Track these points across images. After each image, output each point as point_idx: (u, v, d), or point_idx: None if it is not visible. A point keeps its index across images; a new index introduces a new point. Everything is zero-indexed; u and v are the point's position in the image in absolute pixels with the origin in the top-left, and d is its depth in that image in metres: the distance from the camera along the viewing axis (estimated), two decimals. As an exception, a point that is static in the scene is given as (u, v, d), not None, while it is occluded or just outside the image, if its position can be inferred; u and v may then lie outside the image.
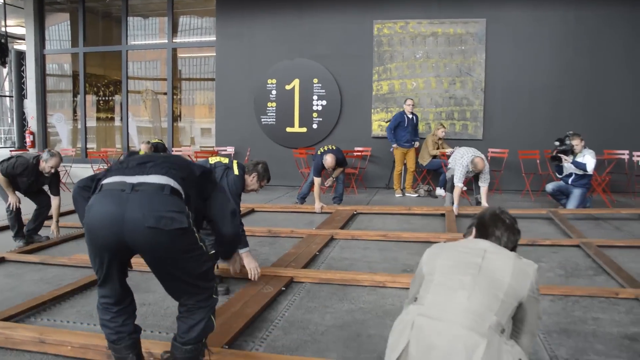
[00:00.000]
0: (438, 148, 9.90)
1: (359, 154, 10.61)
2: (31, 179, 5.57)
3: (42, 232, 5.96)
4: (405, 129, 9.53)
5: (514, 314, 2.09)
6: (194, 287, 2.47)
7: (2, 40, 10.59)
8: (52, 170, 5.57)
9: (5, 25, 11.42)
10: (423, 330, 1.99)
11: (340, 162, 8.28)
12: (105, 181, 2.39)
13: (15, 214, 5.63)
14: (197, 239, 2.43)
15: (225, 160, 4.31)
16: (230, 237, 2.76)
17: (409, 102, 9.61)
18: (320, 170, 8.12)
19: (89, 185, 2.52)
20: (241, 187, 4.29)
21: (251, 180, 4.37)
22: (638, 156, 9.36)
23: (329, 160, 7.97)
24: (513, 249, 2.33)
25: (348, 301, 3.96)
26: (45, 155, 5.54)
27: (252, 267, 4.16)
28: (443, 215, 7.46)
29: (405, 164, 9.82)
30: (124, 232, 2.23)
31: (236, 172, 4.24)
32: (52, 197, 5.80)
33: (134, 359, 2.58)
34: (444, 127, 9.94)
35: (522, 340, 2.15)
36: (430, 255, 2.30)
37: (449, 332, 1.94)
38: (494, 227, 2.32)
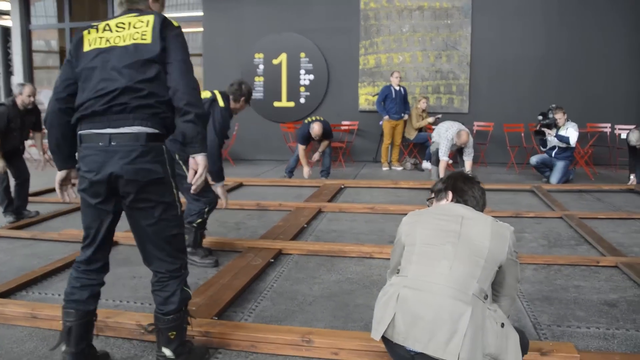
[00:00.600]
0: (424, 119, 9.93)
1: (346, 127, 10.63)
2: (17, 123, 5.46)
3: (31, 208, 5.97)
4: (393, 101, 9.55)
5: (494, 279, 2.13)
6: (161, 251, 2.40)
7: None
8: (32, 99, 5.52)
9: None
10: (408, 302, 2.02)
11: (327, 133, 8.32)
12: (81, 132, 2.34)
13: (4, 188, 5.61)
14: (174, 196, 2.40)
15: (208, 94, 4.25)
16: (191, 118, 2.32)
17: (395, 74, 9.62)
18: (306, 139, 8.22)
19: (70, 108, 2.42)
20: (229, 119, 4.25)
21: (240, 105, 4.44)
22: (620, 129, 9.47)
23: (316, 128, 8.05)
24: (483, 208, 2.38)
25: (336, 272, 4.02)
26: (16, 89, 5.49)
27: (224, 197, 4.21)
28: (430, 188, 7.51)
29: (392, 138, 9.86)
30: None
31: (221, 104, 4.18)
32: (35, 132, 5.84)
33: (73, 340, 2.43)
34: (425, 98, 9.98)
35: (502, 303, 2.19)
36: (408, 224, 2.30)
37: (434, 302, 1.97)
38: (470, 189, 2.36)
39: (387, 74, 10.47)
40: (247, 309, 3.35)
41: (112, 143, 2.25)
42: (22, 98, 5.46)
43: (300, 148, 8.30)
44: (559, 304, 3.40)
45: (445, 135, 7.87)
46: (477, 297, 1.98)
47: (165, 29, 2.39)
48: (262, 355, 2.75)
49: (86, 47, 2.40)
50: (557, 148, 7.98)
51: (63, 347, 2.40)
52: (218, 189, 4.15)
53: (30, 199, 6.07)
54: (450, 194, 2.40)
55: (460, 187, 2.38)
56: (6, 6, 13.03)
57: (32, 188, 7.09)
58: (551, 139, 8.03)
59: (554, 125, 8.06)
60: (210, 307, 3.17)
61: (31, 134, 5.92)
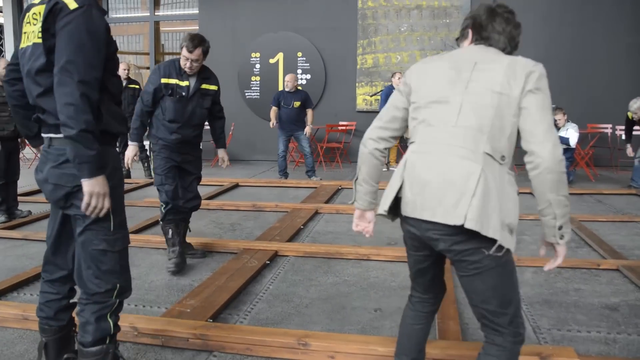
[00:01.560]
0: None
1: (344, 128, 10.57)
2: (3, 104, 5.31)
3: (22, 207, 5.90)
4: None
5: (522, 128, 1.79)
6: (87, 269, 2.12)
7: None
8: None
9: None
10: (415, 168, 1.85)
11: (305, 99, 8.42)
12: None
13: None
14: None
15: None
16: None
17: (397, 75, 9.52)
18: (276, 100, 8.43)
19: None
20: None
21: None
22: (621, 130, 9.43)
23: (287, 77, 8.35)
24: (516, 46, 2.00)
25: (332, 274, 3.97)
26: None
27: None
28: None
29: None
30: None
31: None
32: None
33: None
34: None
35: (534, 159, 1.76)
36: (417, 76, 1.99)
37: (440, 164, 1.78)
38: (491, 23, 1.96)
39: (385, 74, 10.42)
40: (242, 311, 3.30)
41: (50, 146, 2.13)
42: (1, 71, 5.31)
43: (273, 109, 8.45)
44: (559, 307, 3.35)
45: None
46: (489, 156, 1.75)
47: (54, 21, 1.98)
48: (257, 358, 2.70)
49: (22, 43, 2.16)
50: (557, 149, 7.93)
51: None
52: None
53: (22, 198, 6.00)
54: (469, 34, 2.03)
55: (480, 22, 1.98)
56: (-1, 3, 13.00)
57: (24, 187, 7.04)
58: (551, 140, 7.99)
59: (554, 126, 8.02)
60: (205, 310, 3.13)
61: None
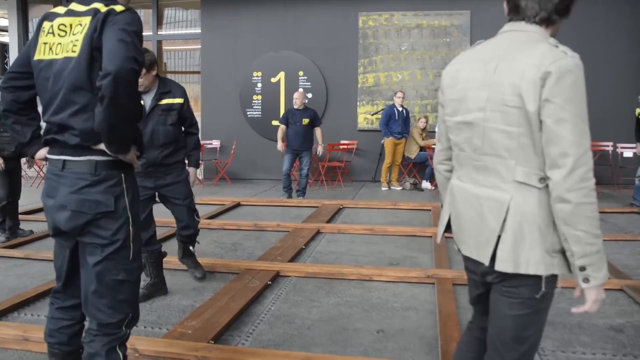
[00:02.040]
0: (424, 139, 9.92)
1: (345, 147, 10.59)
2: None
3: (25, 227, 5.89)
4: (396, 122, 9.51)
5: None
6: (101, 298, 2.04)
7: None
8: None
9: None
10: (455, 198, 1.74)
11: (314, 117, 8.36)
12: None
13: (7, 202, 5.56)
14: (127, 234, 2.06)
15: None
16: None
17: (399, 94, 9.55)
18: (285, 119, 8.32)
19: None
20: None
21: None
22: (622, 148, 9.44)
23: (296, 93, 8.27)
24: (560, 10, 1.67)
25: (334, 295, 3.95)
26: None
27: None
28: (429, 210, 7.47)
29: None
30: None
31: None
32: None
33: None
34: (425, 117, 9.98)
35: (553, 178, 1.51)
36: (448, 84, 1.76)
37: (472, 196, 1.65)
38: None
39: (387, 93, 10.48)
40: (244, 332, 3.28)
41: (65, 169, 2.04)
42: None
43: (280, 127, 8.36)
44: (563, 328, 3.33)
45: None
46: (522, 183, 1.54)
47: (102, 30, 1.92)
48: (259, 382, 2.67)
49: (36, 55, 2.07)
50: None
51: None
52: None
53: (24, 217, 5.99)
54: (505, 7, 1.73)
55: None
56: (4, 22, 13.08)
57: (26, 206, 7.04)
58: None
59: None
60: (206, 331, 3.11)
61: None
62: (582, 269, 1.51)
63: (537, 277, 1.57)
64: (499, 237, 1.56)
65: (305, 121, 8.24)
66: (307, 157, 8.40)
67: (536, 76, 1.46)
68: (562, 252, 1.55)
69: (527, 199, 1.54)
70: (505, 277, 1.60)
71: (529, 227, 1.53)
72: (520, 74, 1.49)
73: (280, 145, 8.28)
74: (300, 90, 8.48)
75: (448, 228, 1.85)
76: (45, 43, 2.02)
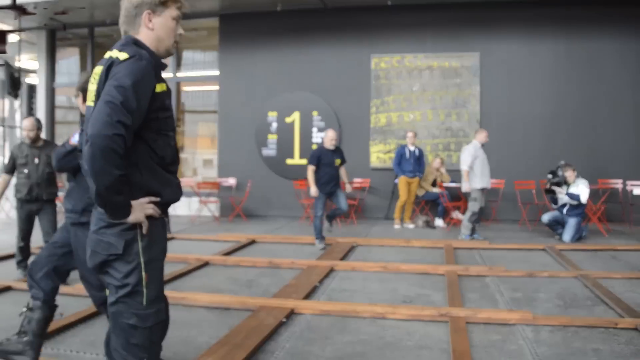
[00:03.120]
0: (436, 179, 10.00)
1: (358, 185, 10.70)
2: (28, 158, 5.39)
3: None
4: (407, 162, 9.60)
5: None
6: (117, 337, 2.09)
7: (16, 74, 10.83)
8: (32, 135, 5.42)
9: (20, 60, 11.64)
10: None
11: (343, 156, 7.83)
12: None
13: (24, 244, 5.63)
14: (138, 278, 2.06)
15: None
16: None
17: (409, 134, 9.68)
18: (317, 159, 7.60)
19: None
20: None
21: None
22: (632, 185, 9.45)
23: (329, 132, 7.63)
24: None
25: (348, 333, 3.98)
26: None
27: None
28: (442, 248, 7.50)
29: (404, 195, 9.86)
30: None
31: None
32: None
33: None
34: (439, 157, 10.10)
35: None
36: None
37: None
38: None
39: (399, 132, 10.64)
40: (259, 369, 3.32)
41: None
42: (25, 133, 5.46)
43: (310, 168, 7.60)
44: (577, 367, 3.33)
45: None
46: None
47: (107, 78, 2.01)
48: (274, 418, 2.71)
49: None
50: (568, 205, 7.98)
51: None
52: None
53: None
54: None
55: None
56: (34, 65, 13.49)
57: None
58: (562, 197, 8.04)
59: (564, 182, 8.08)
60: (222, 368, 3.15)
61: None
62: None
63: None
64: None
65: (338, 162, 7.74)
66: (342, 194, 7.77)
67: None
68: None
69: None
70: None
71: None
72: None
73: (314, 190, 7.50)
74: (333, 129, 7.86)
75: None
76: (89, 91, 2.13)
